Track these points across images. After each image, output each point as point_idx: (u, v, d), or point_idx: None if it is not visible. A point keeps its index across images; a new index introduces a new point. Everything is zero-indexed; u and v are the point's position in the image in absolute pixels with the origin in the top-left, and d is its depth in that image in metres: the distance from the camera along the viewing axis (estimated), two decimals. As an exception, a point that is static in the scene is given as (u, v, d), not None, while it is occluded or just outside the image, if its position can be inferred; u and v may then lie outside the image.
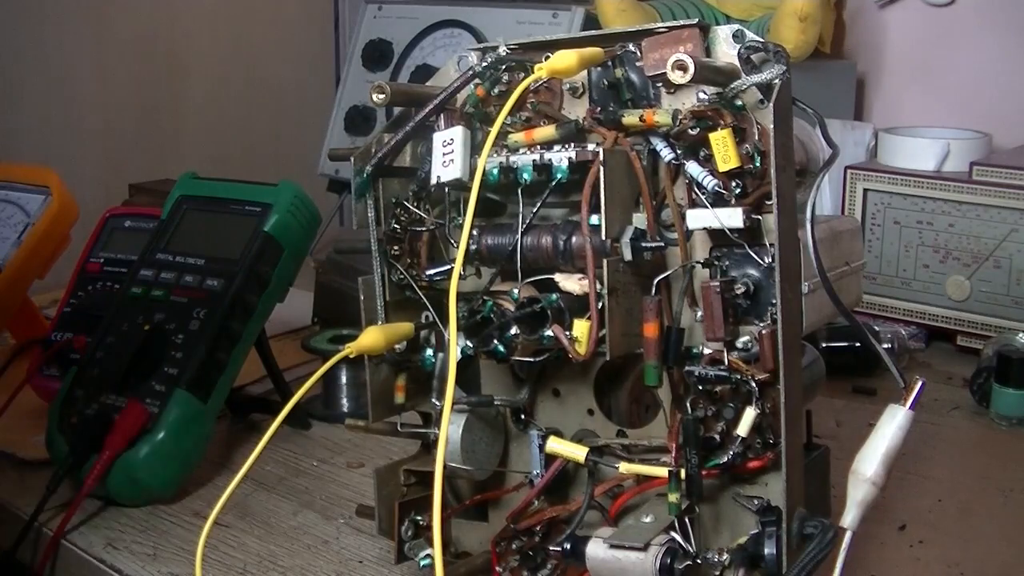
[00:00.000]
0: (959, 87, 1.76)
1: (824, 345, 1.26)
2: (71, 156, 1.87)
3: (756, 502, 0.77)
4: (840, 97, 1.75)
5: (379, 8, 1.80)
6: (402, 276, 0.86)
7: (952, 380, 1.37)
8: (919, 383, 0.77)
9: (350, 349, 0.81)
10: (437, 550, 0.65)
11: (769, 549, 0.74)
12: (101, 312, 1.15)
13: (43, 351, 1.23)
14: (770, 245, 0.73)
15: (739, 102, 0.74)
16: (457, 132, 0.80)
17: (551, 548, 0.83)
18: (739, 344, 0.76)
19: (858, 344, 1.32)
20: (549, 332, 0.77)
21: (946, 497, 1.06)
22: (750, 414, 0.74)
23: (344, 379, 1.25)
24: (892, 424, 0.77)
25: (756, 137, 0.73)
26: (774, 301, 0.73)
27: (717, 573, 0.76)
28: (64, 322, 1.26)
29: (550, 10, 1.64)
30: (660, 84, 0.77)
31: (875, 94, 1.84)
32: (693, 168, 0.75)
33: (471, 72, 0.82)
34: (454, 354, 0.68)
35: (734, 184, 0.74)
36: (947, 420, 1.25)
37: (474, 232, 0.81)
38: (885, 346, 1.34)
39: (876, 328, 1.38)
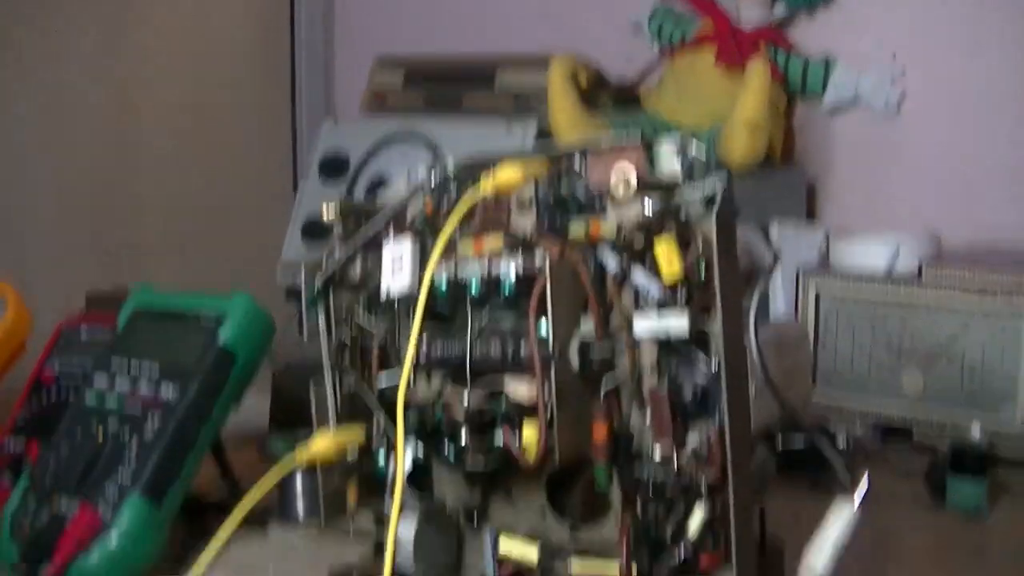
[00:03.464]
0: (907, 189, 1.80)
1: (779, 444, 1.26)
2: (24, 263, 1.87)
3: (710, 601, 0.78)
4: (791, 202, 1.78)
5: (336, 121, 1.83)
6: (353, 385, 0.86)
7: (908, 476, 1.37)
8: (865, 480, 0.79)
9: (300, 457, 0.81)
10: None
11: (723, 650, 0.74)
12: (55, 421, 1.15)
13: (-4, 459, 1.22)
14: (715, 350, 0.75)
15: (682, 213, 0.75)
16: (406, 245, 0.82)
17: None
18: (688, 445, 0.77)
19: (813, 443, 1.33)
20: (499, 441, 0.77)
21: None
22: (700, 514, 0.75)
23: (299, 483, 1.24)
24: (840, 520, 0.78)
25: (700, 247, 0.75)
26: (722, 403, 0.74)
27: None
28: (18, 430, 1.25)
29: (504, 122, 1.66)
30: (605, 197, 0.79)
31: (826, 198, 1.87)
32: (639, 277, 0.76)
33: (420, 187, 0.84)
34: (402, 466, 0.69)
35: (679, 292, 0.75)
36: (904, 515, 1.26)
37: (423, 341, 0.82)
38: (840, 445, 1.35)
39: (831, 428, 1.38)
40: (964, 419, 1.41)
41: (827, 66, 1.81)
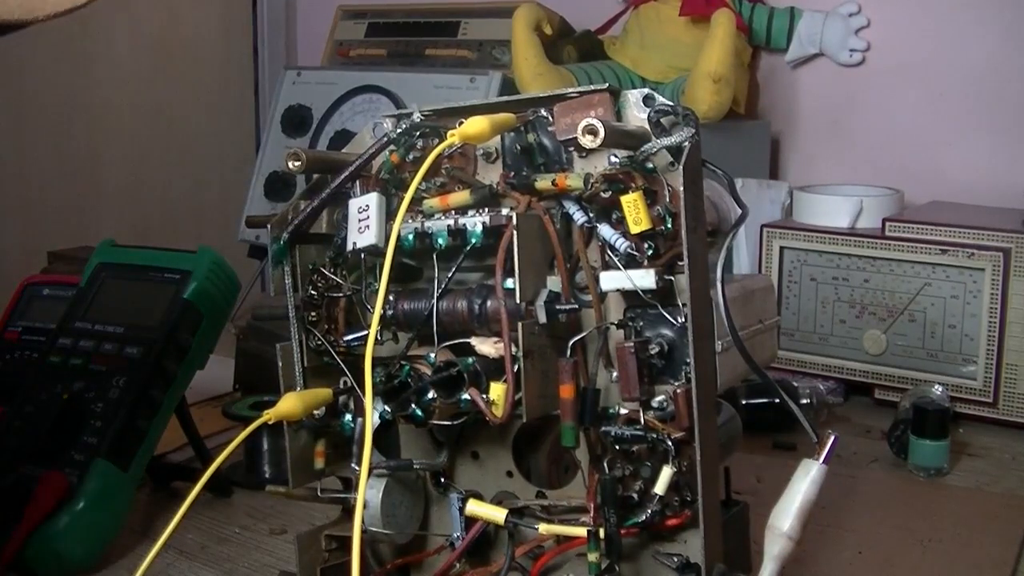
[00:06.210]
0: (870, 144, 1.80)
1: (744, 402, 1.27)
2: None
3: (676, 559, 0.78)
4: (755, 156, 1.78)
5: (298, 74, 1.81)
6: (320, 342, 0.86)
7: (870, 433, 1.38)
8: (831, 438, 0.79)
9: (268, 416, 0.80)
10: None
11: (689, 606, 0.75)
12: (19, 381, 1.14)
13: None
14: (683, 305, 0.75)
15: (650, 165, 0.75)
16: (372, 198, 0.81)
17: (473, 610, 0.83)
18: (655, 403, 0.77)
19: (777, 400, 1.33)
20: (466, 395, 0.77)
21: (866, 549, 1.07)
22: (667, 472, 0.75)
23: (265, 445, 1.24)
24: (806, 478, 0.78)
25: (667, 199, 0.75)
26: (688, 360, 0.74)
27: (638, 632, 0.76)
28: (-19, 392, 1.24)
29: (467, 75, 1.66)
30: (572, 148, 0.78)
31: (790, 153, 1.87)
32: (605, 231, 0.76)
33: (385, 139, 0.83)
34: (370, 420, 0.68)
35: (646, 245, 0.75)
36: (866, 473, 1.27)
37: (390, 297, 0.82)
38: (804, 401, 1.36)
39: (795, 384, 1.39)
40: (926, 376, 1.42)
41: (792, 17, 1.80)
